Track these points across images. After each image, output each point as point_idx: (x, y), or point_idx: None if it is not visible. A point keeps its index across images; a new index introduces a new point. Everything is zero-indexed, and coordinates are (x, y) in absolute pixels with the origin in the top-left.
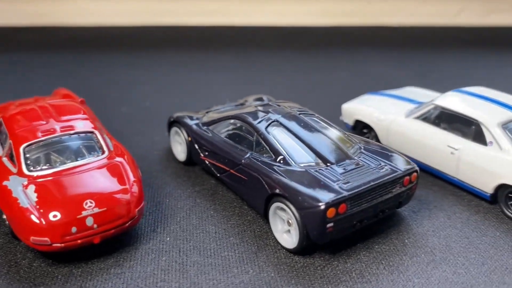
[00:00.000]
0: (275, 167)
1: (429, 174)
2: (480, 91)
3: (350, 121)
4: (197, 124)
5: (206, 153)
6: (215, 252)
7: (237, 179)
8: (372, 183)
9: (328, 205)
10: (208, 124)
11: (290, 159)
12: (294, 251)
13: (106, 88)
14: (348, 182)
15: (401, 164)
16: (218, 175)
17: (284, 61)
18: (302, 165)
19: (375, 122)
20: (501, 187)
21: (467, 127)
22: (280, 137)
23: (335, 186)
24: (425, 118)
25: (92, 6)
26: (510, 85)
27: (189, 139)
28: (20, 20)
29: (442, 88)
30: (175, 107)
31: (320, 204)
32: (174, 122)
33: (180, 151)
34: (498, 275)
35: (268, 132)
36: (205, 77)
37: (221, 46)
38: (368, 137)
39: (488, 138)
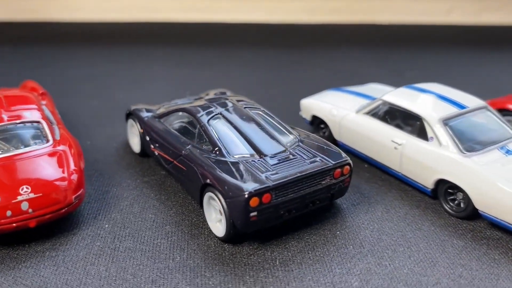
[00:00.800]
0: (210, 158)
1: (378, 169)
2: (431, 88)
3: (308, 117)
4: (149, 117)
5: (156, 145)
6: (149, 239)
7: (179, 170)
8: (298, 174)
9: (251, 194)
10: (159, 116)
11: (225, 150)
12: (224, 240)
13: (83, 82)
14: (276, 173)
15: (334, 157)
16: (166, 166)
17: (264, 58)
18: (236, 156)
19: (328, 117)
20: (441, 182)
21: (411, 123)
22: (220, 130)
23: (262, 176)
24: (373, 113)
25: (77, 2)
26: (489, 83)
27: (141, 131)
28: (6, 15)
29: None
30: (146, 100)
31: (243, 193)
32: (130, 114)
33: (135, 143)
34: (421, 268)
35: (209, 125)
36: (182, 72)
37: (204, 42)
38: (324, 132)
39: (429, 133)
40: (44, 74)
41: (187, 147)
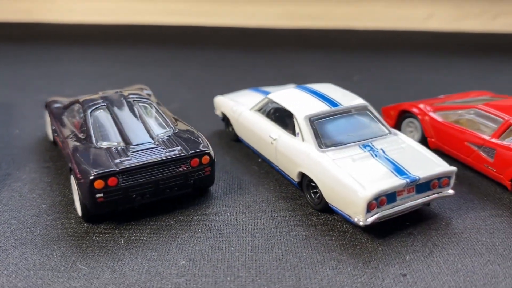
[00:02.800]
0: (78, 145)
1: (266, 163)
2: (318, 87)
3: (219, 113)
4: (57, 108)
5: (55, 134)
6: (24, 216)
7: (65, 157)
8: (148, 161)
9: (95, 177)
10: (64, 108)
11: (94, 138)
12: (85, 219)
13: (38, 80)
14: (129, 160)
15: (194, 147)
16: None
17: (225, 60)
18: (104, 144)
19: (230, 114)
20: (304, 176)
21: (287, 120)
22: (99, 120)
23: (114, 162)
24: (261, 110)
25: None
26: (441, 87)
27: (49, 120)
28: None
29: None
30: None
31: (88, 175)
32: (46, 106)
33: (49, 132)
34: (254, 253)
35: (91, 115)
36: (138, 73)
37: (164, 44)
38: (233, 129)
39: (297, 129)
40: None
41: (70, 134)
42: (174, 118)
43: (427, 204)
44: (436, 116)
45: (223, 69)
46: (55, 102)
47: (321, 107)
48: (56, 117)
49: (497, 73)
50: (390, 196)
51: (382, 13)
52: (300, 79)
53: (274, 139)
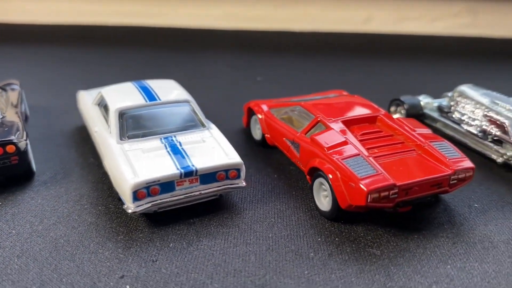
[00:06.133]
0: None
1: None
2: (152, 83)
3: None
4: None
5: None
6: None
7: None
8: None
9: None
10: None
11: None
12: None
13: None
14: None
15: (2, 136)
16: None
17: (159, 60)
18: None
19: (81, 108)
20: None
21: (108, 113)
22: None
23: None
24: (99, 104)
25: None
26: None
27: None
28: None
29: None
30: None
31: None
32: None
33: None
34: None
35: None
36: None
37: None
38: None
39: (109, 122)
40: None
41: None
42: (15, 109)
43: (218, 195)
44: (270, 113)
45: (156, 68)
46: None
47: (137, 101)
48: None
49: (431, 74)
50: (166, 186)
51: (320, 16)
52: (209, 80)
53: (96, 132)
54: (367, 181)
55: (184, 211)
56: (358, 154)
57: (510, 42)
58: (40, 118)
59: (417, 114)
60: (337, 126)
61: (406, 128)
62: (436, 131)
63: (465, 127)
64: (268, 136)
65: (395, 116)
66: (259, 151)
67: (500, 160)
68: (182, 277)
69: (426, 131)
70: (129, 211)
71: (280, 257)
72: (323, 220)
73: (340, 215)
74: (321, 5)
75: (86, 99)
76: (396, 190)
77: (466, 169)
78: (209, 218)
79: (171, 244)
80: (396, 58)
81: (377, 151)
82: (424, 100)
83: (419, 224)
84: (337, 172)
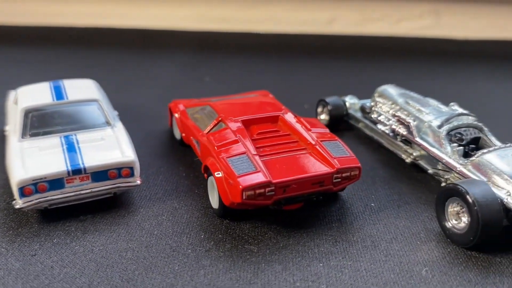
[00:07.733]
0: None
1: None
2: (67, 83)
3: None
4: None
5: None
6: None
7: None
8: None
9: None
10: None
11: None
12: None
13: None
14: None
15: None
16: None
17: (108, 61)
18: None
19: (6, 107)
20: None
21: None
22: None
23: None
24: (15, 103)
25: None
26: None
27: None
28: None
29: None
30: None
31: None
32: None
33: None
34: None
35: None
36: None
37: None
38: None
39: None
40: None
41: None
42: None
43: (112, 193)
44: (184, 113)
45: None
46: None
47: (44, 100)
48: None
49: (385, 74)
50: (55, 183)
51: (285, 17)
52: (154, 80)
53: (6, 131)
54: (242, 178)
55: (78, 208)
56: (244, 153)
57: (472, 43)
58: None
59: (341, 115)
60: (235, 125)
61: (303, 127)
62: (358, 131)
63: (380, 127)
64: (184, 135)
65: (321, 116)
66: (178, 150)
67: (408, 160)
68: (54, 271)
69: (323, 130)
70: (17, 206)
71: (157, 254)
72: (214, 218)
73: (230, 213)
74: (286, 7)
75: (11, 99)
76: (273, 188)
77: (351, 168)
78: (101, 216)
79: (55, 240)
80: (354, 59)
81: (268, 150)
82: (349, 101)
83: (308, 222)
84: (221, 170)
